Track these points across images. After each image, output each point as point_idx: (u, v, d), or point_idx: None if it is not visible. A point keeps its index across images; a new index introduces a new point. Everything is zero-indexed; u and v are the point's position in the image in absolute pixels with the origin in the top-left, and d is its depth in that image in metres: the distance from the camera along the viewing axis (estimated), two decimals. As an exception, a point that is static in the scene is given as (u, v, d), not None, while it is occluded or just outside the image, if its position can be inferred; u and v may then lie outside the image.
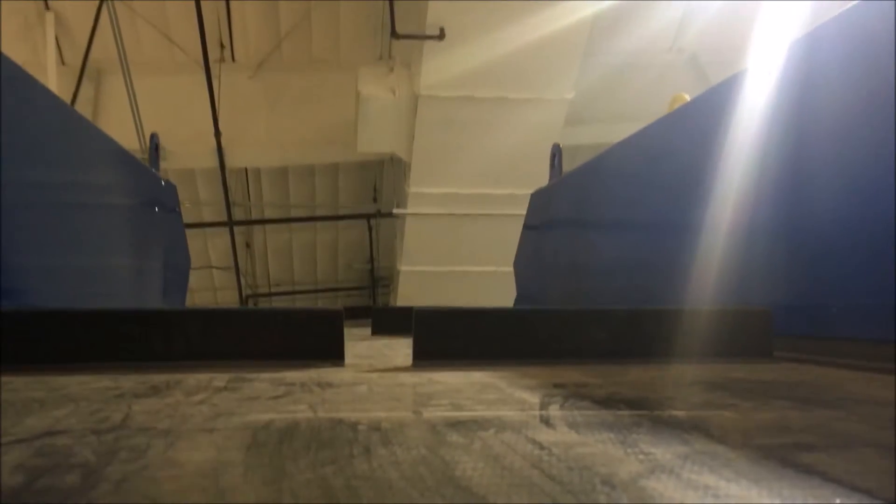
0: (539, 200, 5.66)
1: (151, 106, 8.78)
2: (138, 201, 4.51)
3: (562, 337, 2.04)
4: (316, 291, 12.91)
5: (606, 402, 1.21)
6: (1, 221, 2.51)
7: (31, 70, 2.97)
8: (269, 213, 11.86)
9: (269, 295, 12.83)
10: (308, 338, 1.97)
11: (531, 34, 7.32)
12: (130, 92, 8.53)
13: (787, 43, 2.58)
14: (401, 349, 2.51)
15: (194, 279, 11.18)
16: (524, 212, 5.88)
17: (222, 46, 9.94)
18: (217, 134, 9.41)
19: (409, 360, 1.97)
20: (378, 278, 12.46)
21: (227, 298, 12.04)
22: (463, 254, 8.88)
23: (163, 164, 6.07)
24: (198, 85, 9.06)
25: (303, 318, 2.01)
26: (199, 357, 1.89)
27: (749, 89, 2.77)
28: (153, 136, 5.31)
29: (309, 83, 10.06)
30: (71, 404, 1.18)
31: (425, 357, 1.94)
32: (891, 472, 0.76)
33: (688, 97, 5.22)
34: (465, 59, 7.47)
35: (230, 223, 10.42)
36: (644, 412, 1.11)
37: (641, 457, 0.80)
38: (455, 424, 0.99)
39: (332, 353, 1.94)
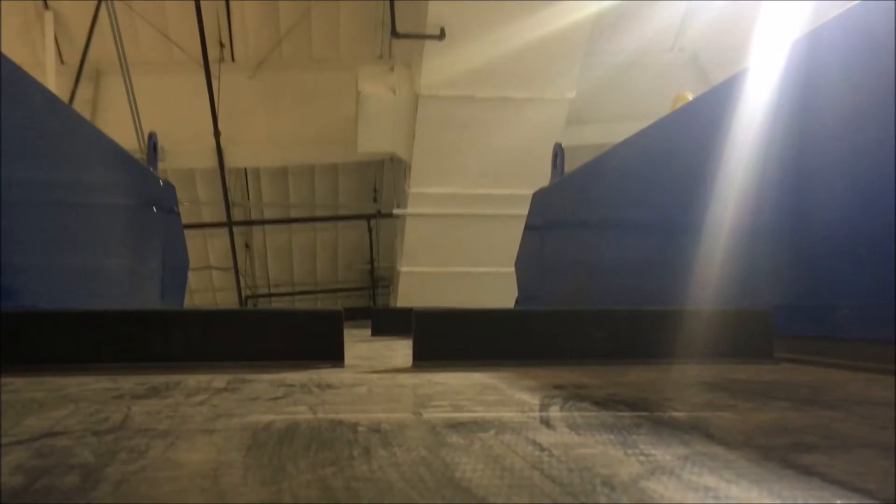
0: (540, 200, 5.65)
1: (150, 105, 8.76)
2: (137, 201, 4.50)
3: (562, 337, 2.04)
4: (316, 292, 12.91)
5: (606, 404, 1.21)
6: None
7: (30, 69, 2.96)
8: (268, 214, 11.85)
9: (269, 296, 12.83)
10: (308, 339, 1.96)
11: (532, 33, 7.31)
12: (129, 91, 8.51)
13: (789, 42, 2.58)
14: (400, 350, 2.52)
15: (193, 280, 11.24)
16: (525, 212, 5.86)
17: (222, 46, 9.92)
18: (216, 134, 9.39)
19: (408, 361, 1.97)
20: (378, 279, 12.46)
21: (226, 299, 12.04)
22: (463, 254, 8.86)
23: (162, 164, 6.04)
24: (197, 84, 9.04)
25: (302, 319, 2.00)
26: (199, 358, 1.88)
27: (750, 89, 2.77)
28: (152, 136, 5.28)
29: (309, 83, 10.03)
30: (70, 405, 1.18)
31: (425, 358, 1.94)
32: (891, 472, 0.76)
33: (690, 96, 5.22)
34: (466, 59, 7.45)
35: (229, 223, 10.40)
36: (644, 413, 1.11)
37: (642, 458, 0.80)
38: (455, 425, 0.99)
39: (332, 355, 1.94)
